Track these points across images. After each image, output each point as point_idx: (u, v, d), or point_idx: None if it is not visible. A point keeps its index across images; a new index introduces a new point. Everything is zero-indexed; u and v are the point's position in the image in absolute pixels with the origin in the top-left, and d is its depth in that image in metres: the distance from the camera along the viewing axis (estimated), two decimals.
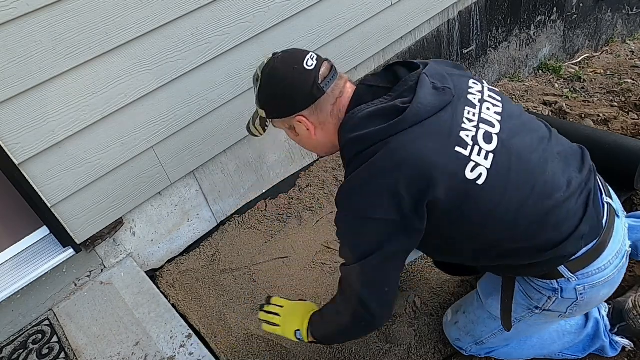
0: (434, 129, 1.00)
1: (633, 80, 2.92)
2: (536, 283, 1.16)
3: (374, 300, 1.10)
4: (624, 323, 1.36)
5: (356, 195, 1.04)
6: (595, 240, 1.08)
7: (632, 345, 1.39)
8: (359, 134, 1.03)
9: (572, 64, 3.36)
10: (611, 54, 3.46)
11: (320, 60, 1.11)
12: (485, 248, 1.11)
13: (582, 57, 3.43)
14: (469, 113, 1.05)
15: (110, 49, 1.46)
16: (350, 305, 1.14)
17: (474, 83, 1.14)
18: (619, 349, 1.40)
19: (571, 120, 2.51)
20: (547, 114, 2.65)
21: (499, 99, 1.14)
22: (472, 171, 0.99)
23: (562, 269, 1.09)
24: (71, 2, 1.35)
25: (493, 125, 1.06)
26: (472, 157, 1.00)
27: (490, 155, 1.02)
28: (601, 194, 1.14)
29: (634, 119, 2.44)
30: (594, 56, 3.45)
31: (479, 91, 1.13)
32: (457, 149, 1.00)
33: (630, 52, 3.46)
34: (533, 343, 1.37)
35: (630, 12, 3.64)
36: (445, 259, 1.43)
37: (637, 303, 1.34)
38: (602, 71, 3.16)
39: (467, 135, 1.01)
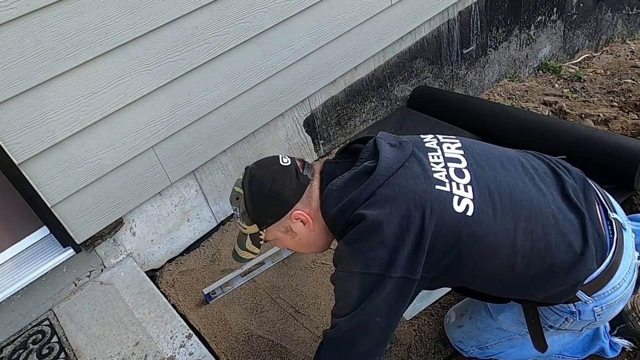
0: (410, 175, 1.04)
1: (633, 80, 2.92)
2: (553, 306, 1.14)
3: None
4: (624, 325, 1.37)
5: (359, 252, 1.03)
6: (609, 260, 1.06)
7: (632, 345, 1.39)
8: (343, 203, 1.05)
9: (572, 64, 3.36)
10: (611, 54, 3.46)
11: (292, 157, 1.16)
12: (503, 280, 1.09)
13: (582, 57, 3.43)
14: (432, 157, 1.09)
15: (110, 49, 1.46)
16: None
17: (424, 135, 1.20)
18: (619, 350, 1.40)
19: (571, 120, 2.51)
20: (547, 114, 2.65)
21: (454, 136, 1.18)
22: (459, 204, 1.01)
23: (578, 292, 1.07)
24: (71, 2, 1.35)
25: (460, 161, 1.09)
26: (454, 192, 1.02)
27: (469, 187, 1.04)
28: (606, 211, 1.13)
29: (634, 119, 2.44)
30: (594, 56, 3.45)
31: (432, 137, 1.18)
32: (437, 187, 1.03)
33: (630, 52, 3.46)
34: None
35: (630, 12, 3.64)
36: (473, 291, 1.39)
37: (636, 305, 1.34)
38: (602, 71, 3.16)
39: (441, 176, 1.05)
